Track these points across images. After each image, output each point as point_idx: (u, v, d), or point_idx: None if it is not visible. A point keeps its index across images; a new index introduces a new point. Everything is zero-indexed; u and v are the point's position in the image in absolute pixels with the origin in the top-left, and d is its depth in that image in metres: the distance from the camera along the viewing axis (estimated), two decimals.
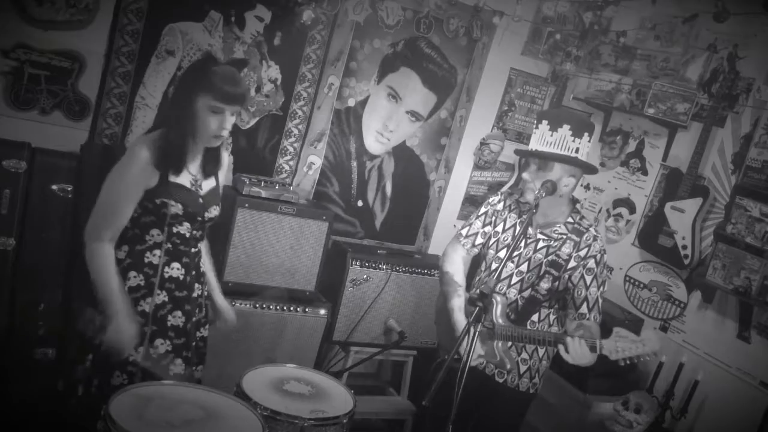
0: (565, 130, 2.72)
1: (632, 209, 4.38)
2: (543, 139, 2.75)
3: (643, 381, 3.94)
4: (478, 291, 2.60)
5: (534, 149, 2.78)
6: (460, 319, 2.85)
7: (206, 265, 2.74)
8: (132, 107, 3.60)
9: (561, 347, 2.62)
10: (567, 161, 2.73)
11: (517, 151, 2.97)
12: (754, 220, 3.57)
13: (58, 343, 3.26)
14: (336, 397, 2.65)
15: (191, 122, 2.41)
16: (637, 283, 4.25)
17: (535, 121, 2.83)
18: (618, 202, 4.48)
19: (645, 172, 4.35)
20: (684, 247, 3.88)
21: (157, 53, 3.57)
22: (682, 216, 3.89)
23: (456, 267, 3.00)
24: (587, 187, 4.70)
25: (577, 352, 2.59)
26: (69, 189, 3.24)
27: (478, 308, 2.35)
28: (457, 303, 2.88)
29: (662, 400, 3.75)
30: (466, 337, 2.32)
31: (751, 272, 3.52)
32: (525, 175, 2.82)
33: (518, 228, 2.91)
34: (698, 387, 3.65)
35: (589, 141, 2.78)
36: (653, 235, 4.05)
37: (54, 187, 3.22)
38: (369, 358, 4.05)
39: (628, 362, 2.57)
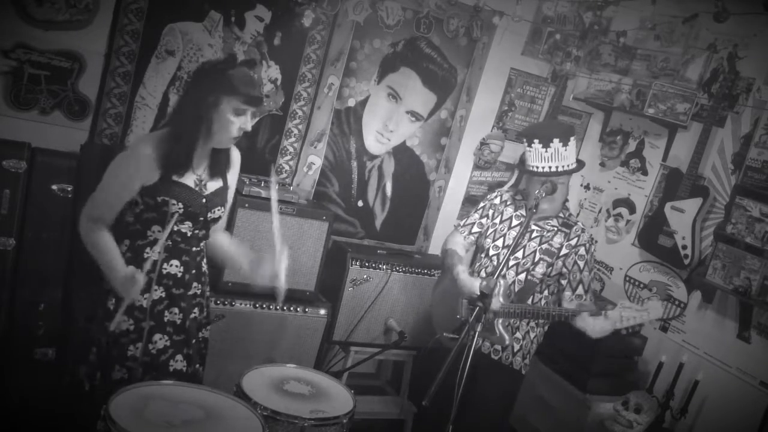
0: (556, 143, 3.01)
1: (632, 209, 4.38)
2: (540, 156, 3.03)
3: (643, 381, 3.94)
4: (478, 291, 2.63)
5: (542, 169, 3.04)
6: (465, 278, 3.06)
7: (226, 242, 2.80)
8: (132, 107, 3.60)
9: (580, 324, 2.85)
10: (571, 173, 3.07)
11: (537, 174, 3.08)
12: (754, 220, 3.57)
13: (58, 343, 3.26)
14: (336, 397, 2.65)
15: (208, 124, 2.42)
16: (637, 283, 4.25)
17: (525, 141, 3.10)
18: (618, 202, 4.48)
19: (645, 172, 4.35)
20: (684, 247, 3.88)
21: (157, 53, 3.57)
22: (682, 216, 3.89)
23: (457, 245, 3.25)
24: (587, 187, 4.70)
25: (590, 325, 2.84)
26: (69, 189, 3.24)
27: (478, 308, 2.36)
28: (461, 268, 3.11)
29: (662, 400, 3.75)
30: (466, 335, 2.33)
31: (751, 272, 3.52)
32: (528, 186, 3.15)
33: (513, 221, 3.21)
34: (698, 387, 3.65)
35: (574, 141, 3.07)
36: (653, 235, 4.05)
37: (54, 187, 3.22)
38: (369, 358, 4.05)
39: (630, 330, 2.89)
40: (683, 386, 3.74)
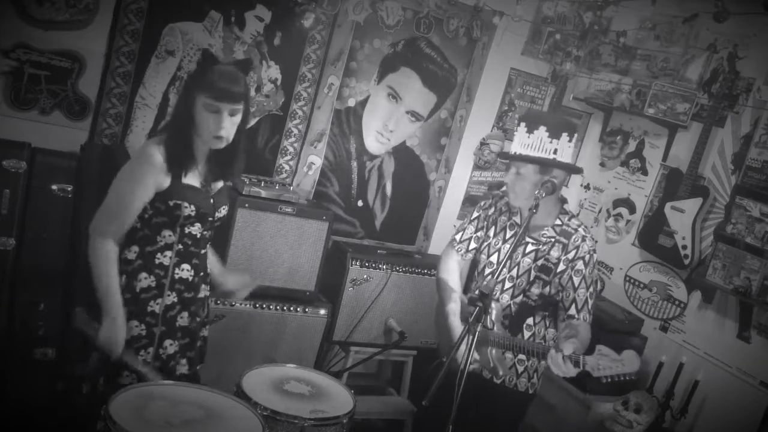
0: (541, 131, 2.70)
1: (632, 209, 4.38)
2: (521, 141, 2.76)
3: (643, 381, 3.94)
4: (478, 291, 2.60)
5: (514, 153, 2.79)
6: (455, 324, 2.85)
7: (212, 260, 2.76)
8: (132, 107, 3.60)
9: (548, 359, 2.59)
10: (543, 163, 2.72)
11: (501, 155, 2.96)
12: (754, 220, 3.57)
13: (58, 343, 3.26)
14: (336, 397, 2.65)
15: (193, 123, 2.41)
16: (637, 283, 4.25)
17: (516, 124, 2.82)
18: (618, 202, 4.48)
19: (645, 172, 4.35)
20: (684, 247, 3.88)
21: (157, 53, 3.57)
22: (682, 216, 3.89)
23: (451, 273, 3.00)
24: (587, 187, 4.70)
25: (555, 366, 2.56)
26: (69, 189, 3.24)
27: (478, 308, 2.34)
28: (453, 308, 2.88)
29: (662, 400, 3.75)
30: (466, 337, 2.32)
31: (751, 272, 3.52)
32: (507, 179, 2.84)
33: (507, 231, 2.91)
34: (698, 387, 3.65)
35: (570, 141, 2.74)
36: (653, 235, 4.05)
37: (54, 187, 3.22)
38: (369, 358, 4.05)
39: (609, 380, 2.55)
40: (683, 386, 3.74)
